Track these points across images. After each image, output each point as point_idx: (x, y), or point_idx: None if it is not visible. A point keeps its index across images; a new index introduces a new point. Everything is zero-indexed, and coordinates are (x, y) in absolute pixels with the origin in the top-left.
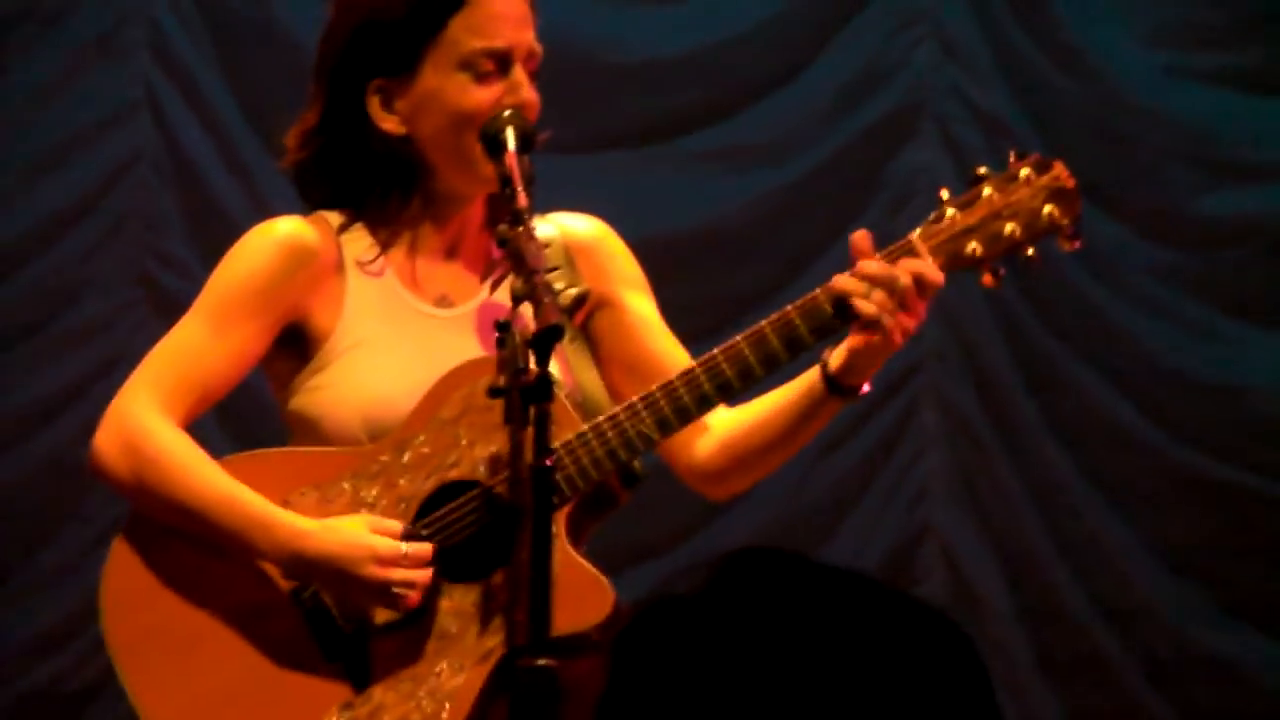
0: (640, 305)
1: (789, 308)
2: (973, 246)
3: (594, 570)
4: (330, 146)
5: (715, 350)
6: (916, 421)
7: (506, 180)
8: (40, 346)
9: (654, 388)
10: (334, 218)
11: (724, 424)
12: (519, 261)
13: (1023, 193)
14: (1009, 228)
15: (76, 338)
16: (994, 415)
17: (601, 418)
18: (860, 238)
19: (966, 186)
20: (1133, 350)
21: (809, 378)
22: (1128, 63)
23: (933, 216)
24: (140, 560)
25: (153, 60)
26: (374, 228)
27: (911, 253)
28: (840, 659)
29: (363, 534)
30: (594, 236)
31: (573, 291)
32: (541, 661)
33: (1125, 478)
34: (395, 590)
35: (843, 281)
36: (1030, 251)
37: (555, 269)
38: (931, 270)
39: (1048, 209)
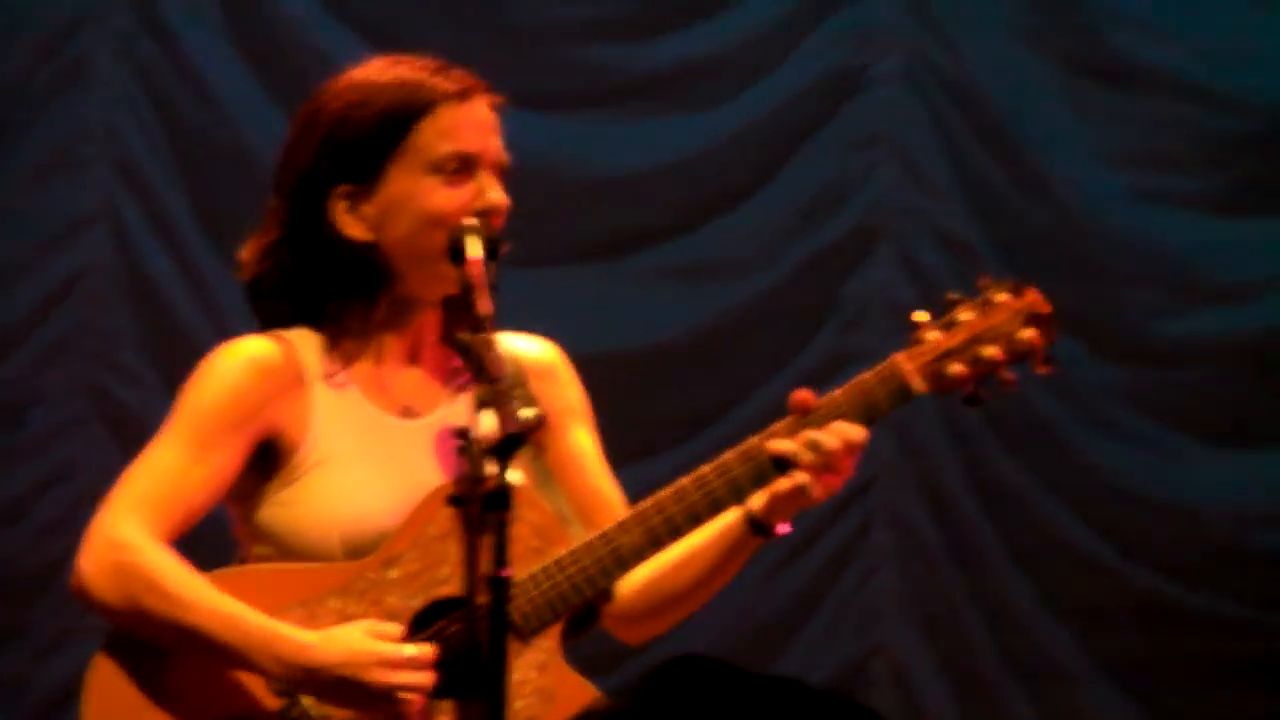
0: (582, 440)
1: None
2: (956, 369)
3: (587, 685)
4: (293, 258)
5: (683, 481)
6: (868, 539)
7: (468, 288)
8: None
9: (647, 504)
10: (294, 334)
11: (643, 567)
12: (480, 368)
13: (1001, 316)
14: (990, 350)
15: (27, 451)
16: (946, 533)
17: (593, 536)
18: (801, 398)
19: (941, 310)
20: (1087, 469)
21: (726, 519)
22: (1090, 185)
23: (914, 338)
24: (121, 677)
25: (114, 173)
26: (335, 340)
27: (840, 414)
28: None
29: (365, 641)
30: (547, 361)
31: (531, 412)
32: None
33: (1078, 596)
34: (400, 695)
35: (781, 445)
36: (1007, 375)
37: (514, 387)
38: (859, 434)
39: (1026, 332)
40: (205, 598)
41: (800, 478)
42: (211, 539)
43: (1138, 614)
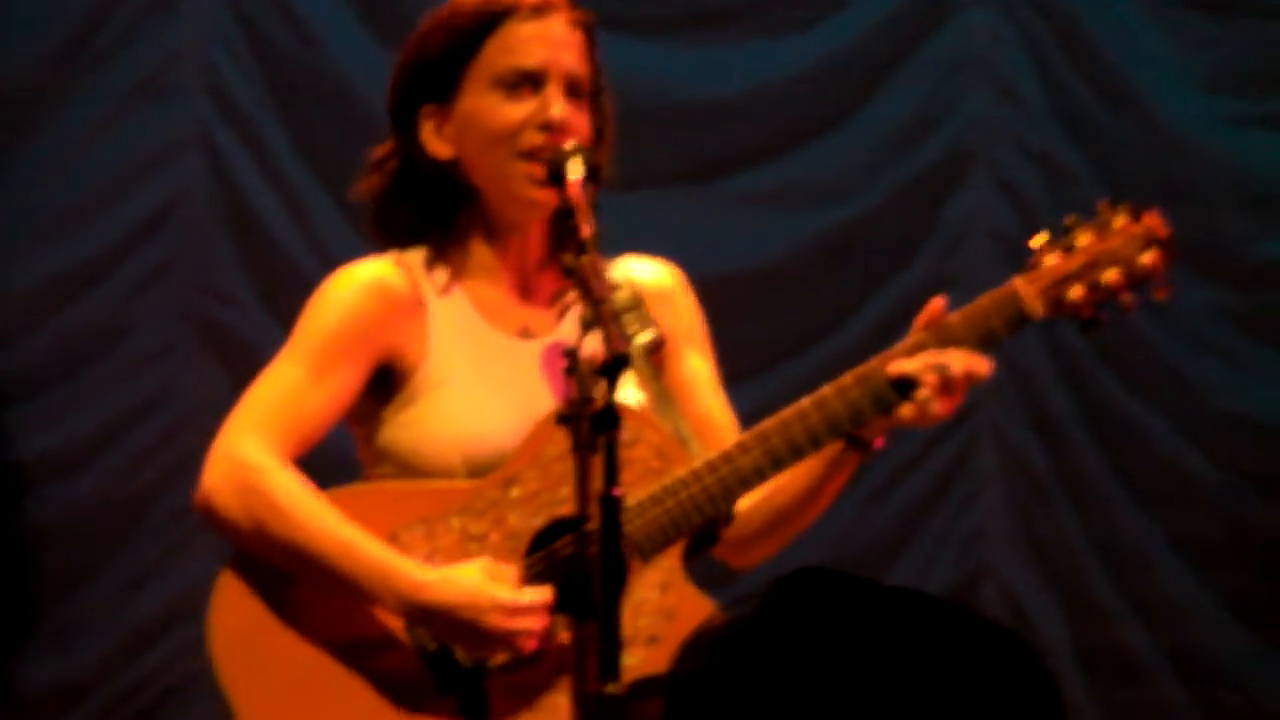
0: (698, 364)
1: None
2: (1075, 293)
3: (709, 603)
4: (397, 177)
5: (803, 402)
6: (973, 461)
7: (569, 211)
8: (89, 382)
9: (768, 424)
10: (411, 255)
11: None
12: (585, 290)
13: (1120, 239)
14: (1109, 274)
15: (124, 376)
16: (1051, 454)
17: (715, 455)
18: (938, 304)
19: (1059, 234)
20: (1190, 391)
21: None
22: (1182, 107)
23: (1031, 262)
24: (248, 595)
25: (208, 100)
26: (448, 260)
27: (957, 340)
28: (904, 677)
29: (483, 584)
30: (667, 284)
31: (649, 334)
32: (610, 689)
33: (1185, 520)
34: (517, 639)
35: (904, 366)
36: (1126, 298)
37: (629, 310)
38: (983, 365)
39: (1145, 256)
40: (326, 524)
41: (924, 394)
42: (335, 462)
43: (1247, 542)
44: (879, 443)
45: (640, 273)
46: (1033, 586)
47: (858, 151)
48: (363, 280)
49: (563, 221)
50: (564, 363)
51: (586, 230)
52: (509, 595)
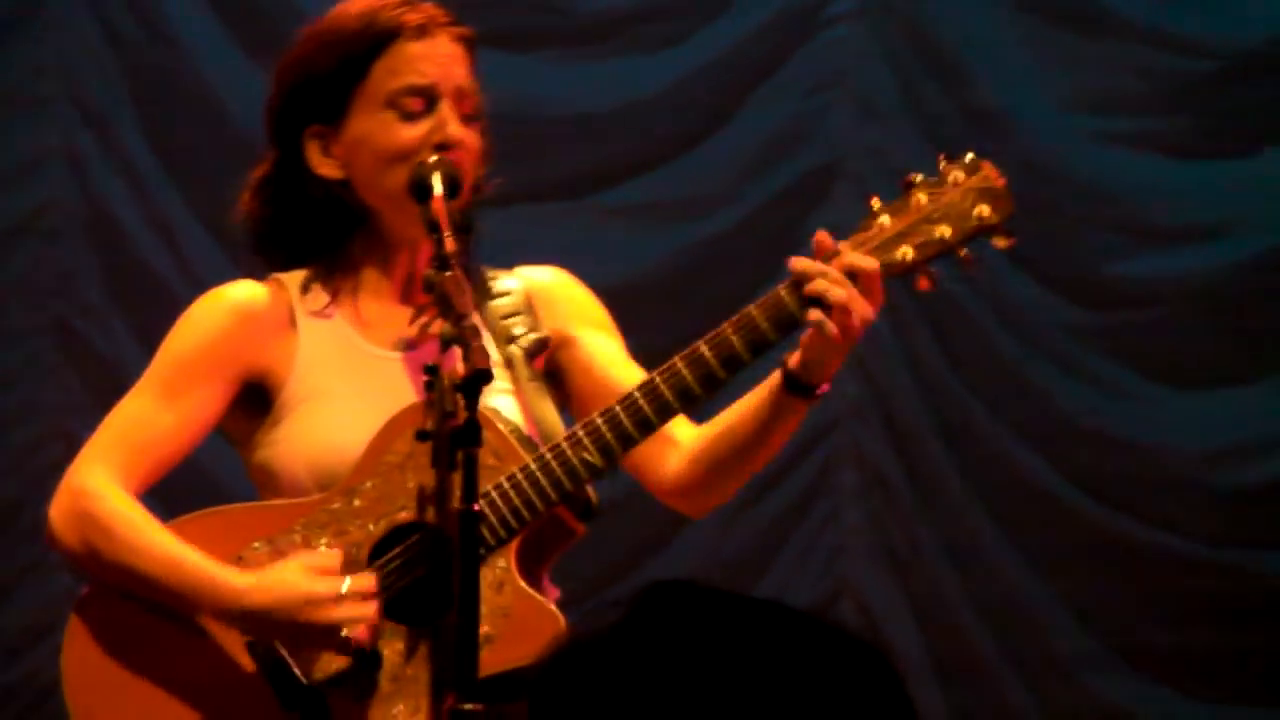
0: (599, 340)
1: (749, 307)
2: (903, 251)
3: (546, 603)
4: (278, 199)
5: (675, 357)
6: (834, 478)
7: (434, 225)
8: None
9: (594, 414)
10: (289, 276)
11: (691, 437)
12: (446, 305)
13: (953, 194)
14: (940, 230)
15: None
16: (911, 472)
17: (544, 449)
18: (823, 236)
19: (898, 194)
20: (1049, 408)
21: (770, 381)
22: (1046, 126)
23: (862, 224)
24: (98, 627)
25: (73, 111)
26: (327, 279)
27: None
28: (761, 688)
29: (299, 579)
30: (553, 282)
31: (532, 336)
32: (468, 706)
33: (1040, 533)
34: (343, 632)
35: (804, 263)
36: (963, 253)
37: (517, 315)
38: (869, 263)
39: (978, 209)
40: (153, 543)
41: (832, 291)
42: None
43: (1097, 550)
44: (824, 387)
45: (532, 276)
46: (889, 600)
47: (725, 166)
48: (226, 301)
49: (428, 236)
50: (419, 374)
51: (449, 245)
52: (326, 586)
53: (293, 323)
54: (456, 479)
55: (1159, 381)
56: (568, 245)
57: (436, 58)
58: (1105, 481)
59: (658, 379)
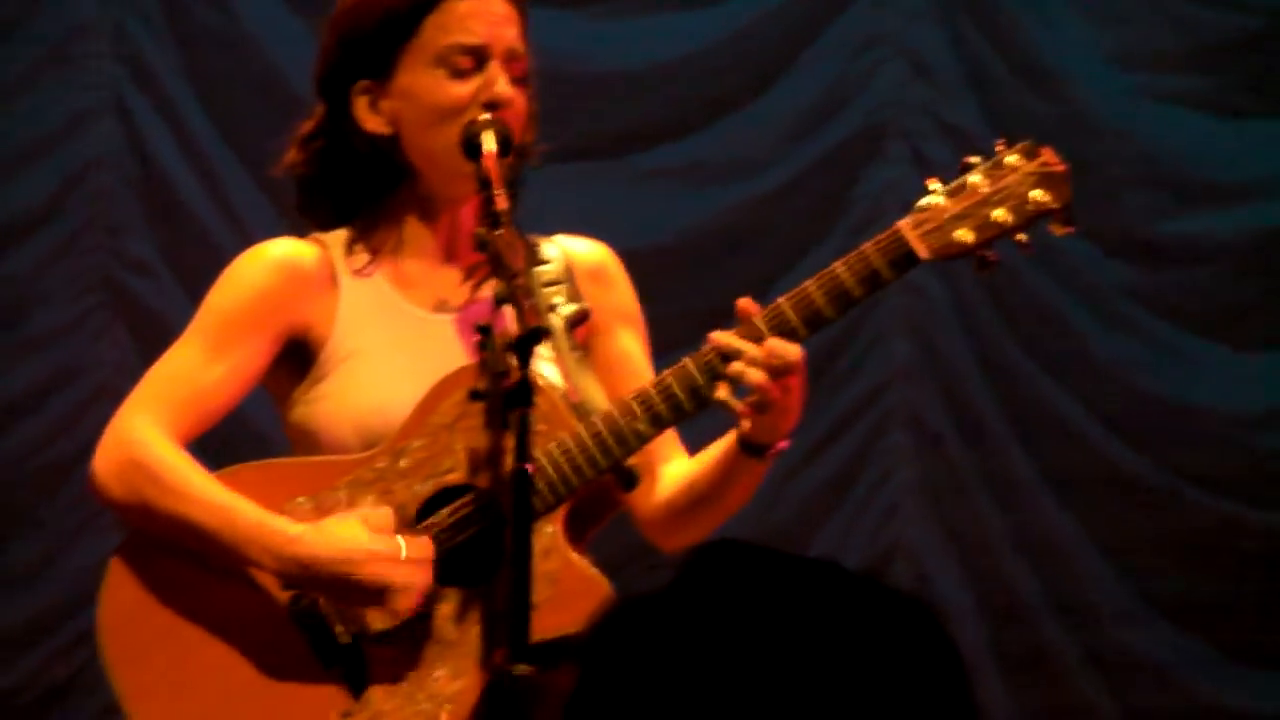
0: (628, 342)
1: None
2: (962, 233)
3: (592, 570)
4: (324, 154)
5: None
6: (886, 439)
7: (486, 183)
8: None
9: (649, 384)
10: (332, 235)
11: (669, 478)
12: (499, 264)
13: (1011, 178)
14: (998, 213)
15: (38, 345)
16: (964, 433)
17: (595, 416)
18: (744, 305)
19: (956, 175)
20: (1100, 366)
21: (728, 439)
22: (1096, 84)
23: (920, 204)
24: (137, 576)
25: (120, 66)
26: (368, 237)
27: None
28: (813, 647)
29: (359, 534)
30: (597, 261)
31: (573, 307)
32: (519, 669)
33: (1091, 492)
34: (395, 592)
35: (724, 339)
36: (1022, 238)
37: (558, 284)
38: (791, 350)
39: (1036, 193)
40: (203, 491)
41: (721, 393)
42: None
43: (1145, 507)
44: (780, 446)
45: (575, 248)
46: (943, 562)
47: (772, 126)
48: (269, 257)
49: (479, 194)
50: (471, 333)
51: (501, 203)
52: (386, 545)
53: (334, 281)
54: (508, 439)
55: (1210, 339)
56: (605, 207)
57: (488, 16)
58: (1155, 440)
59: (651, 388)
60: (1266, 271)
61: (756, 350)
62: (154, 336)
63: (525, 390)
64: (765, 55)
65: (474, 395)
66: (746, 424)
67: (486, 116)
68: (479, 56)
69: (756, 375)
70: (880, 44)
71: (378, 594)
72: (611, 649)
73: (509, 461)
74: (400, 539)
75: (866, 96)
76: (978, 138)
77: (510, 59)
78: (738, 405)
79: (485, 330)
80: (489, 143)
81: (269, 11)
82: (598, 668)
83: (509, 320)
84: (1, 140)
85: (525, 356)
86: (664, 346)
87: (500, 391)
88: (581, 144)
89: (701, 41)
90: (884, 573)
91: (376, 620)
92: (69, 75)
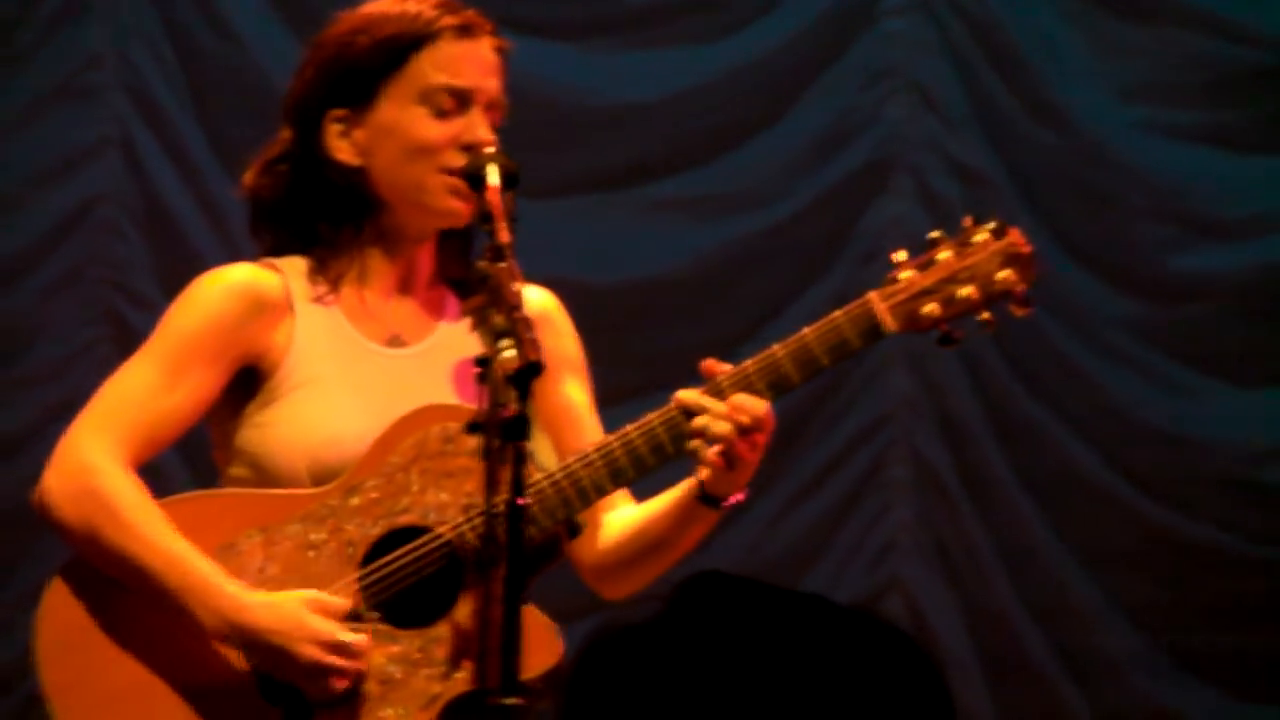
0: (574, 392)
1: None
2: (930, 308)
3: (543, 616)
4: (288, 179)
5: (609, 438)
6: (884, 473)
7: (488, 216)
8: (2, 384)
9: (611, 438)
10: (286, 261)
11: (615, 525)
12: (499, 297)
13: (979, 256)
14: (965, 290)
15: (39, 379)
16: (963, 468)
17: (556, 468)
18: (708, 366)
19: (922, 249)
20: (1103, 403)
21: (683, 487)
22: (1104, 118)
23: (888, 277)
24: (79, 600)
25: (126, 99)
26: (325, 266)
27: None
28: (798, 680)
29: (304, 614)
30: (544, 309)
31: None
32: (510, 700)
33: (1091, 529)
34: (326, 677)
35: (689, 397)
36: (985, 315)
37: (506, 333)
38: (759, 406)
39: (1003, 273)
40: (158, 534)
41: (693, 444)
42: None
43: (1148, 547)
44: (734, 498)
45: (525, 295)
46: (939, 596)
47: (778, 159)
48: (230, 282)
49: (480, 226)
50: (447, 371)
51: (504, 236)
52: (327, 631)
53: (289, 307)
54: (468, 482)
55: (1215, 377)
56: (613, 238)
57: (478, 62)
58: (1158, 478)
59: (614, 442)
60: (1273, 308)
61: (723, 407)
62: None
63: (523, 423)
64: (774, 88)
65: (471, 427)
66: (705, 474)
67: (491, 149)
68: (463, 99)
69: (722, 428)
70: (889, 77)
71: (309, 673)
72: (596, 680)
73: (494, 494)
74: (339, 628)
75: (875, 129)
76: (984, 172)
77: (490, 107)
78: (709, 455)
79: (484, 362)
80: (493, 176)
81: (276, 43)
82: (582, 699)
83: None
84: (7, 172)
85: (525, 389)
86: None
87: (498, 423)
88: (590, 176)
89: (710, 75)
90: (879, 608)
91: (307, 687)
92: (77, 108)
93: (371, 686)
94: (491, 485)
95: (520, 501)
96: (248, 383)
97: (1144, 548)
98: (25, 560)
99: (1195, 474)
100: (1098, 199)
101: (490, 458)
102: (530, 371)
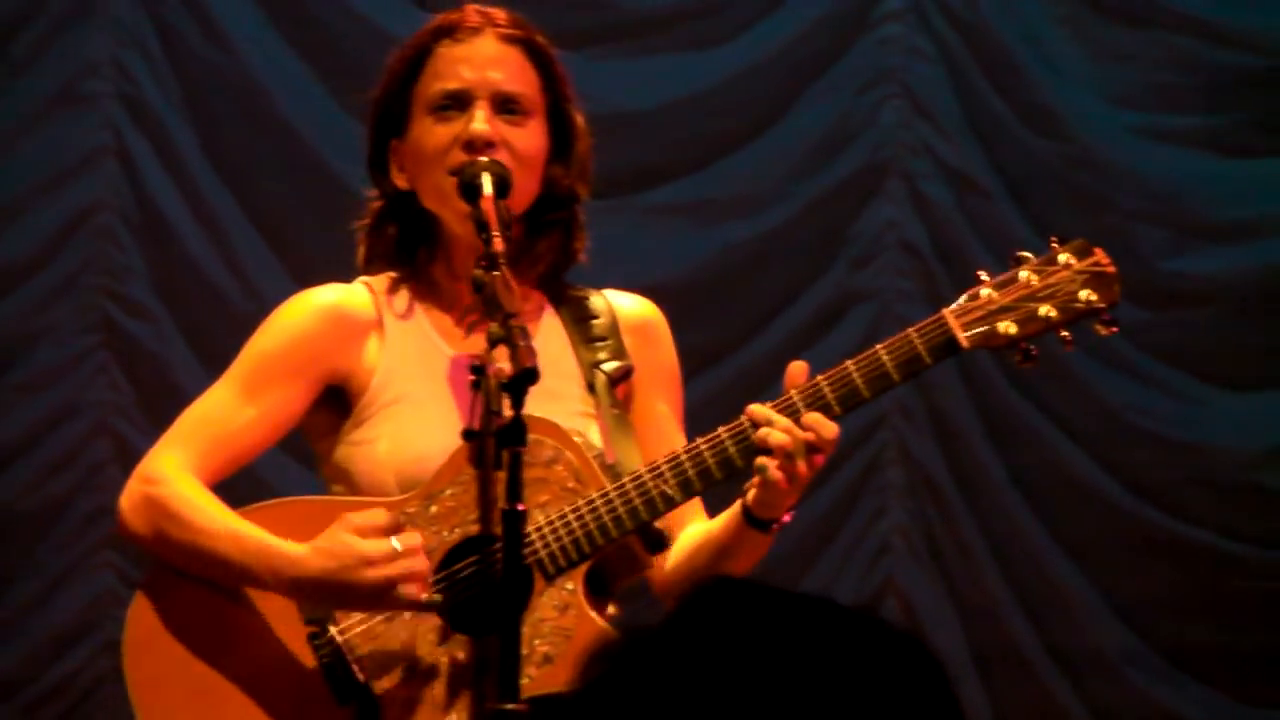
0: (664, 403)
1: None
2: (1006, 326)
3: (607, 628)
4: (378, 211)
5: (699, 441)
6: (880, 476)
7: (483, 225)
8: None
9: (680, 449)
10: (376, 281)
11: (683, 541)
12: (494, 304)
13: (1062, 275)
14: (1044, 309)
15: (35, 386)
16: (957, 470)
17: (626, 478)
18: (797, 369)
19: (1007, 268)
20: (1096, 406)
21: (734, 509)
22: (1097, 123)
23: (968, 294)
24: (159, 606)
25: (121, 107)
26: (410, 286)
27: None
28: (809, 684)
29: (351, 542)
30: (644, 318)
31: (616, 364)
32: (510, 706)
33: (1086, 532)
34: (399, 588)
35: (760, 412)
36: (1065, 334)
37: (604, 340)
38: (829, 429)
39: (1085, 293)
40: (210, 520)
41: (762, 460)
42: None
43: (1143, 549)
44: (785, 518)
45: (622, 304)
46: (934, 598)
47: (773, 165)
48: (315, 304)
49: (476, 235)
50: (463, 378)
51: (498, 245)
52: (376, 547)
53: (380, 325)
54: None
55: (1208, 381)
56: (611, 245)
57: (474, 60)
58: (1152, 481)
59: (683, 454)
60: (1266, 312)
61: (786, 422)
62: (151, 378)
63: (518, 430)
64: (768, 94)
65: (467, 435)
66: (753, 495)
67: (485, 159)
68: (460, 100)
69: (788, 442)
70: (883, 83)
71: (380, 594)
72: (608, 686)
73: (490, 501)
74: (392, 538)
75: (868, 135)
76: (976, 177)
77: (499, 98)
78: (772, 471)
79: (479, 370)
80: (486, 185)
81: (270, 51)
82: (594, 703)
83: (496, 361)
84: (7, 179)
85: (519, 397)
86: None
87: (493, 431)
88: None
89: (705, 82)
90: (875, 610)
91: (390, 665)
92: (75, 116)
93: (439, 690)
94: (482, 490)
95: (518, 507)
96: (340, 403)
97: (1136, 548)
98: (24, 568)
99: (1188, 476)
100: (1090, 203)
101: (484, 464)
102: (525, 379)
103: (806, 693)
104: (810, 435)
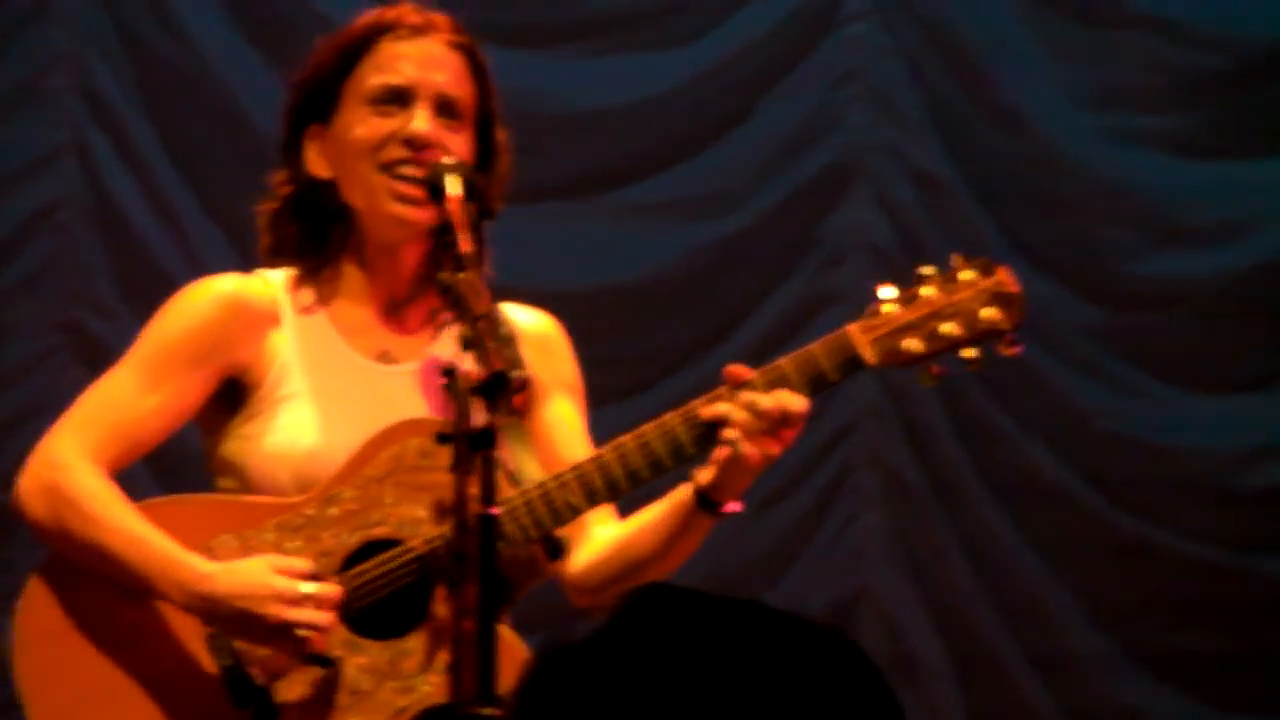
0: (568, 412)
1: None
2: (910, 343)
3: (511, 633)
4: (287, 197)
5: (624, 439)
6: (852, 481)
7: (448, 227)
8: None
9: (584, 460)
10: (279, 273)
11: (600, 540)
12: (462, 307)
13: (965, 294)
14: (948, 327)
15: None
16: (929, 475)
17: (530, 486)
18: (735, 371)
19: (909, 283)
20: (1067, 410)
21: (680, 493)
22: (1063, 124)
23: (870, 310)
24: (55, 598)
25: (81, 103)
26: (315, 277)
27: (787, 383)
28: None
29: (264, 574)
30: (543, 331)
31: (515, 374)
32: (486, 710)
33: (1058, 536)
34: (297, 632)
35: (715, 409)
36: (970, 353)
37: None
38: (798, 404)
39: (988, 312)
40: (119, 519)
41: (731, 434)
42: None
43: (1115, 552)
44: (733, 505)
45: (520, 318)
46: (908, 602)
47: (741, 164)
48: (214, 292)
49: (440, 243)
50: (435, 382)
51: (465, 246)
52: (288, 586)
53: (276, 319)
54: (444, 494)
55: (1176, 384)
56: (579, 244)
57: (420, 58)
58: (1122, 484)
59: (630, 443)
60: (1233, 314)
61: (754, 399)
62: None
63: (489, 433)
64: (735, 94)
65: (441, 438)
66: (708, 476)
67: (451, 159)
68: (402, 97)
69: (745, 418)
70: (848, 83)
71: (278, 632)
72: (540, 693)
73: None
74: (308, 584)
75: (834, 136)
76: (942, 179)
77: (442, 101)
78: (747, 447)
79: (450, 372)
80: (453, 186)
81: (229, 47)
82: (527, 711)
83: (467, 364)
84: None
85: (492, 399)
86: (631, 382)
87: (466, 434)
88: (552, 182)
89: (672, 81)
90: (849, 615)
91: (288, 669)
92: (36, 112)
93: (341, 696)
94: (460, 496)
95: (493, 511)
96: (234, 395)
97: (1109, 551)
98: None
99: (1158, 479)
100: (1057, 205)
101: (459, 469)
102: (495, 382)
103: (738, 697)
104: (775, 406)
